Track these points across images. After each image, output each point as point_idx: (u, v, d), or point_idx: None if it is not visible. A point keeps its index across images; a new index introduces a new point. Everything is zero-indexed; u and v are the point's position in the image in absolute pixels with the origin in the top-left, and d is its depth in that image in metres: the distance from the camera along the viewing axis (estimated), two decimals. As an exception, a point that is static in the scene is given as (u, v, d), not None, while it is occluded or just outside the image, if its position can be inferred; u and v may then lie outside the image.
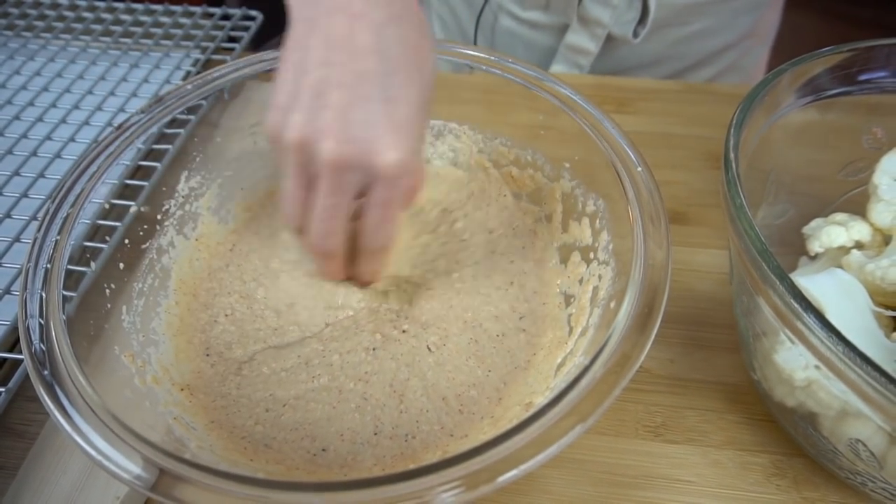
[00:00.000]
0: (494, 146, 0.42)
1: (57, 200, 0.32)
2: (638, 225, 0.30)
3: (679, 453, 0.34)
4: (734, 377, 0.37)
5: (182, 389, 0.32)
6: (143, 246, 0.36)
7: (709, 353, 0.39)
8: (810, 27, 0.64)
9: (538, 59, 0.62)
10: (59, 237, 0.31)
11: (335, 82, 0.28)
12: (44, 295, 0.28)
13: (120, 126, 0.36)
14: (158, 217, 0.37)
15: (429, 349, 0.35)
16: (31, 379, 0.26)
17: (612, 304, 0.29)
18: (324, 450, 0.31)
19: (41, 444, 0.35)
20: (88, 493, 0.33)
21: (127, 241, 0.35)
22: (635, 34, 0.57)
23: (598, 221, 0.35)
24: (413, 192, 0.32)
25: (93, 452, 0.25)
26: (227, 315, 0.37)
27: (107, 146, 0.35)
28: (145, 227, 0.36)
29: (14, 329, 0.37)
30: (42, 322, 0.27)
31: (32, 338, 0.27)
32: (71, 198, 0.33)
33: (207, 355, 0.35)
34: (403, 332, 0.36)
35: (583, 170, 0.37)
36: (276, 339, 0.36)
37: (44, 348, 0.27)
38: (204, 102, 0.39)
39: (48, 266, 0.29)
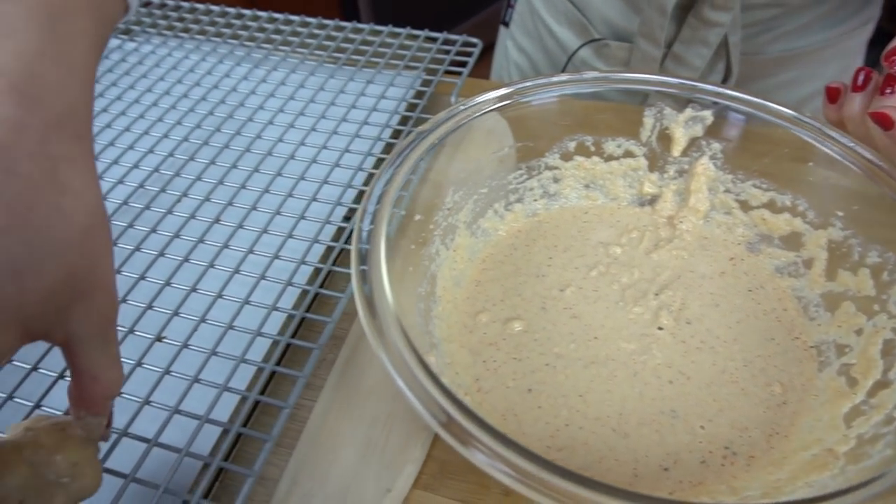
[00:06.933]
0: (745, 187, 0.43)
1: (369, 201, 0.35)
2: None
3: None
4: None
5: (465, 394, 0.34)
6: (421, 252, 0.38)
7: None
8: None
9: None
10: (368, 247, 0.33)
11: None
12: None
13: (410, 136, 0.39)
14: (430, 227, 0.40)
15: (687, 378, 0.36)
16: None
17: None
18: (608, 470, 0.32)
19: (312, 427, 0.37)
20: (362, 482, 0.35)
21: (412, 245, 0.37)
22: None
23: (885, 274, 0.35)
24: None
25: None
26: (485, 329, 0.39)
27: (400, 153, 0.38)
28: (423, 234, 0.39)
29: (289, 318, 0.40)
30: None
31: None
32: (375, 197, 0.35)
33: (475, 364, 0.37)
34: (665, 366, 0.36)
35: (862, 221, 0.37)
36: (539, 359, 0.37)
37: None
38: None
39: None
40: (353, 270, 0.31)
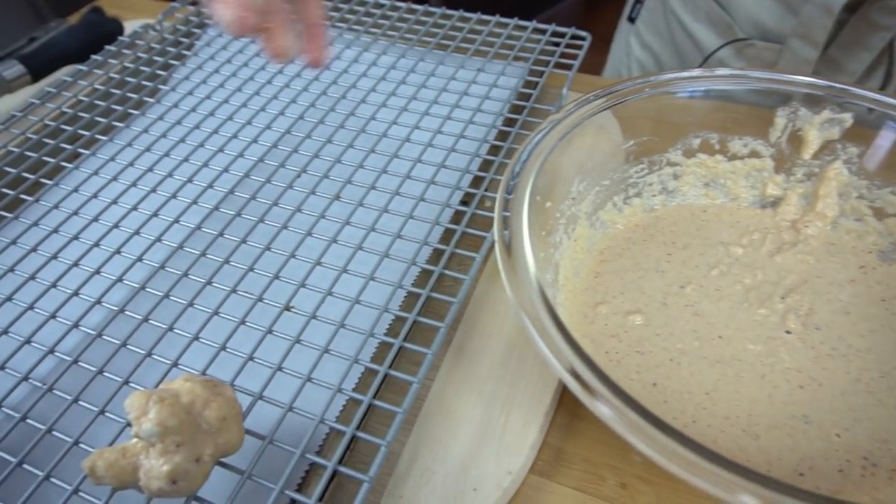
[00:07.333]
0: (881, 194, 0.41)
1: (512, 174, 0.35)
2: None
3: None
4: None
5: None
6: (548, 239, 0.38)
7: None
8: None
9: None
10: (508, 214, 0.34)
11: None
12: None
13: (542, 123, 0.39)
14: (557, 215, 0.40)
15: (819, 385, 0.35)
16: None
17: None
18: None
19: (431, 405, 0.38)
20: (482, 462, 0.35)
21: (542, 232, 0.38)
22: None
23: None
24: None
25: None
26: (605, 321, 0.39)
27: (540, 131, 0.38)
28: (550, 222, 0.39)
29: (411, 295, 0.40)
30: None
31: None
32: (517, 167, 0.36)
33: (597, 354, 0.37)
34: (795, 370, 0.36)
35: None
36: (662, 354, 0.37)
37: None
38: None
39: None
40: (496, 223, 0.34)
